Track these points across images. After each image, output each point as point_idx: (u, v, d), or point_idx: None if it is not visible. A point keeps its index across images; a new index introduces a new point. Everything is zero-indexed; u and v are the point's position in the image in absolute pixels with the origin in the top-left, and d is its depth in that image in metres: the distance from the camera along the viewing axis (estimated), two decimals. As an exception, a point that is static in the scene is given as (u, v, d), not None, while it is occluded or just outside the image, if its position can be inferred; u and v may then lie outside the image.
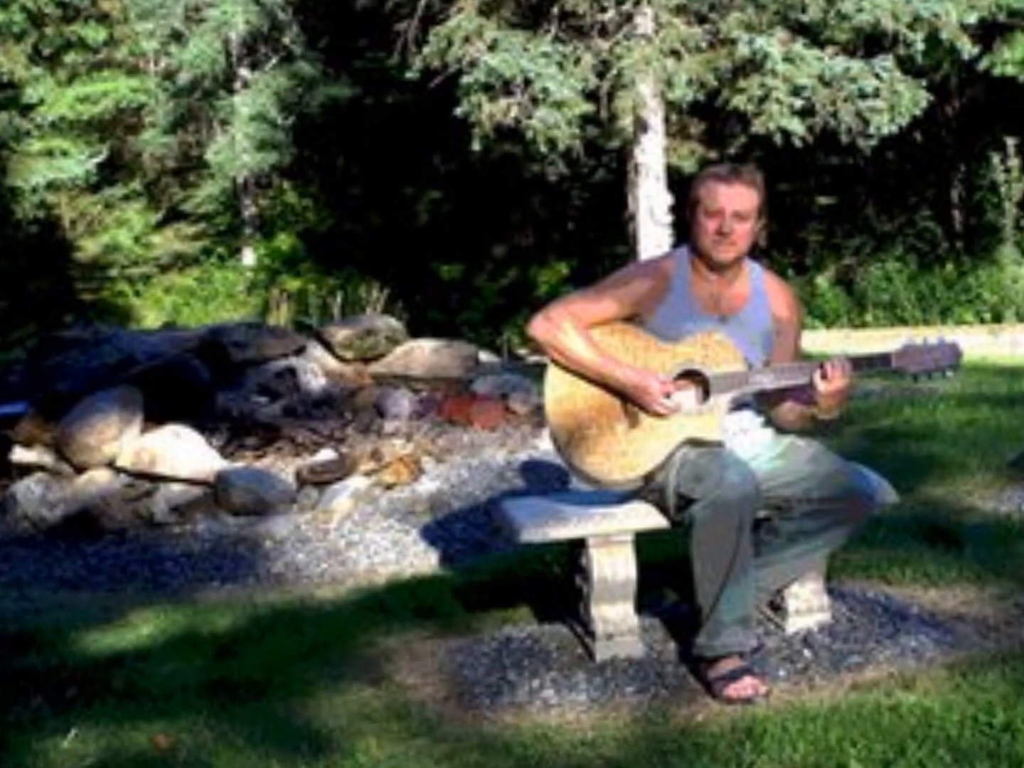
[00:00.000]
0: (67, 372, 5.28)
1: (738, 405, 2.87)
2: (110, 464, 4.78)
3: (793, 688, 2.73)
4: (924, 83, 9.69)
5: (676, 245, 3.75)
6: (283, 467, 4.85)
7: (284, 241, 16.55)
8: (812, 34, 9.85)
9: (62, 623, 3.55)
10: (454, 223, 15.77)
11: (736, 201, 2.79)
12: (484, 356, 6.34)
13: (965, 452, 4.69)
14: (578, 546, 2.92)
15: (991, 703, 2.52)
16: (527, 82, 9.53)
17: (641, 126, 10.42)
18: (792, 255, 13.97)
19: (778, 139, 9.61)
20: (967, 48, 9.60)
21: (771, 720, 2.54)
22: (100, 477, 4.76)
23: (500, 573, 3.67)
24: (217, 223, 17.48)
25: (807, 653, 2.86)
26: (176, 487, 4.69)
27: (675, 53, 9.66)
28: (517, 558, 3.70)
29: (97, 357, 5.37)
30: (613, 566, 2.86)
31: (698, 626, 2.77)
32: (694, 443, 2.79)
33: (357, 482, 4.64)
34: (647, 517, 2.87)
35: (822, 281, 12.27)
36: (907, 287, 11.10)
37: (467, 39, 9.71)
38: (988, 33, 10.87)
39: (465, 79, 9.68)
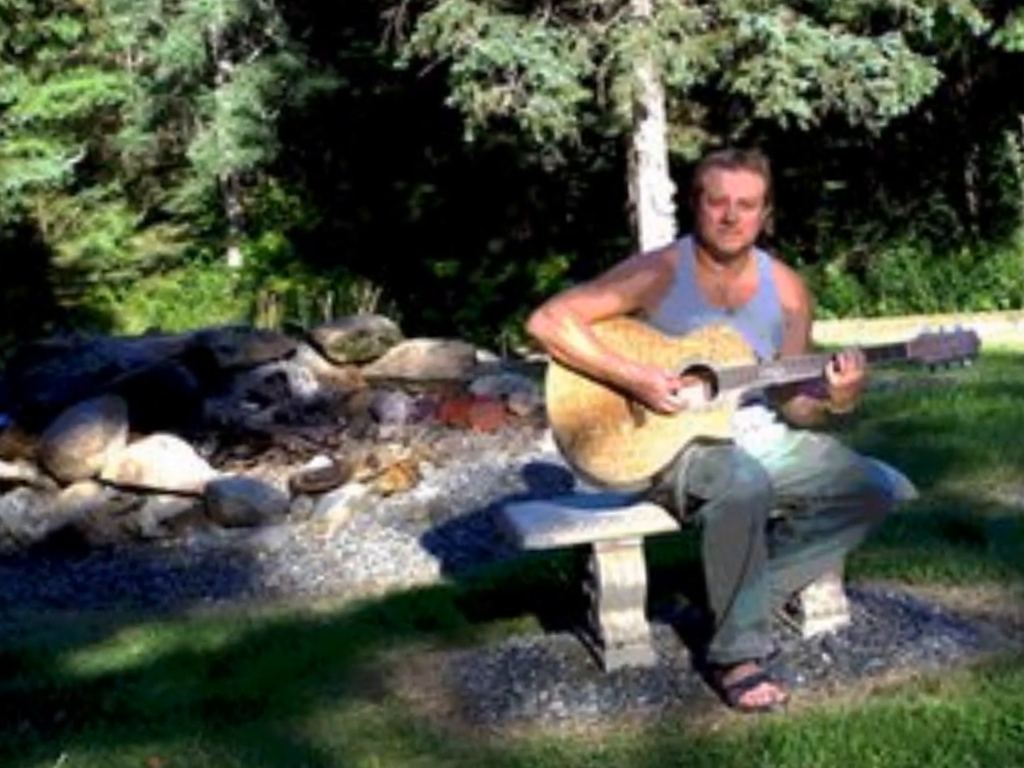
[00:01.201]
0: (48, 382, 5.23)
1: (748, 401, 2.82)
2: (95, 477, 4.71)
3: (812, 694, 2.69)
4: (934, 61, 9.56)
5: (680, 235, 3.72)
6: (275, 476, 4.79)
7: (271, 240, 16.45)
8: (816, 12, 9.79)
9: (49, 644, 3.50)
10: (448, 218, 15.70)
11: (741, 188, 2.73)
12: (482, 356, 6.31)
13: (986, 444, 4.66)
14: (585, 551, 2.88)
15: (1019, 705, 2.49)
16: (520, 69, 9.42)
17: (640, 112, 10.30)
18: (801, 243, 13.88)
19: (783, 122, 9.50)
20: (978, 23, 9.50)
21: (790, 728, 2.50)
22: (85, 491, 4.69)
23: (504, 581, 3.64)
24: (201, 223, 17.35)
25: (826, 657, 2.82)
26: (164, 499, 4.62)
27: (674, 35, 9.55)
28: (521, 565, 3.66)
29: (79, 366, 5.31)
30: (622, 571, 2.82)
31: (712, 632, 2.73)
32: (703, 441, 2.74)
33: (353, 490, 4.59)
34: (656, 519, 2.83)
35: (833, 269, 12.18)
36: (921, 273, 11.00)
37: (457, 25, 9.58)
38: (1000, 7, 10.70)
39: (456, 67, 9.56)
